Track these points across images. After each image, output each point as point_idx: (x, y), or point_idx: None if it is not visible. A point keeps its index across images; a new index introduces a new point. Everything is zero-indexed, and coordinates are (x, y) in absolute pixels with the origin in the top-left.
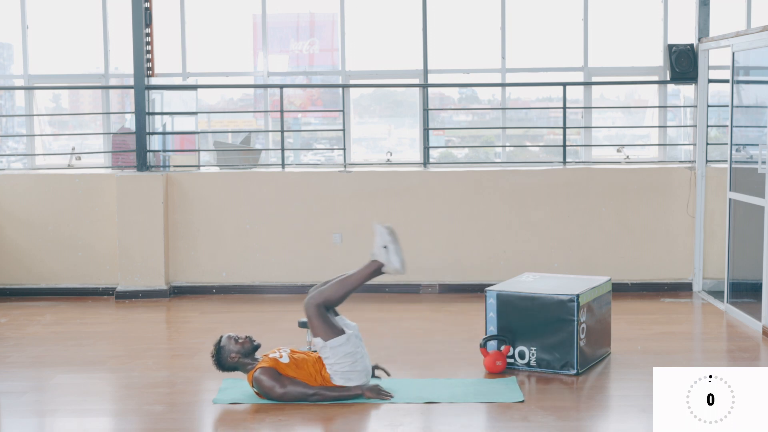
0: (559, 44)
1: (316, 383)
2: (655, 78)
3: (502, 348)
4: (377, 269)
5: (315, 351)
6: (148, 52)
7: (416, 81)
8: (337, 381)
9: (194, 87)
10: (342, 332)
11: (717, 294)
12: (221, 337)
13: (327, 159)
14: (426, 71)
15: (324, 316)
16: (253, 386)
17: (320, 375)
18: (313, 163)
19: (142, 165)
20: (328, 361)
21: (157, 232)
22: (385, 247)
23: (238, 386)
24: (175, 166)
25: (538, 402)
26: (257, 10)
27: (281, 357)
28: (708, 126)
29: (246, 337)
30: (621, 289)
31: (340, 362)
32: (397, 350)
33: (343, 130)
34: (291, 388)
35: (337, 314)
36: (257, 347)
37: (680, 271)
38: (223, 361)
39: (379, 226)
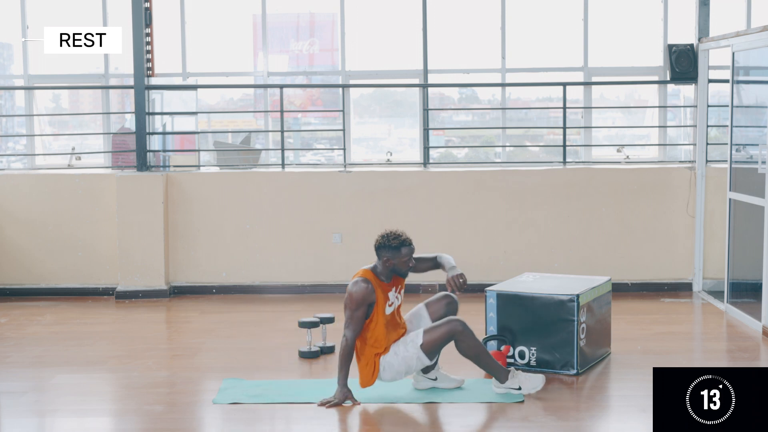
0: (559, 44)
1: (371, 341)
2: (655, 78)
3: (502, 348)
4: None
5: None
6: (148, 52)
7: (416, 81)
8: (382, 362)
9: (194, 87)
10: (430, 359)
11: (717, 294)
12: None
13: (327, 159)
14: (426, 71)
15: (444, 342)
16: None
17: (383, 340)
18: (313, 163)
19: (142, 165)
20: (397, 347)
21: (157, 232)
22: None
23: (238, 386)
24: (175, 166)
25: (538, 402)
26: (257, 10)
27: (390, 305)
28: (708, 126)
29: (407, 259)
30: (621, 289)
31: (400, 357)
32: None
33: (343, 130)
34: (351, 325)
35: (437, 366)
36: (401, 274)
37: (680, 271)
38: (382, 247)
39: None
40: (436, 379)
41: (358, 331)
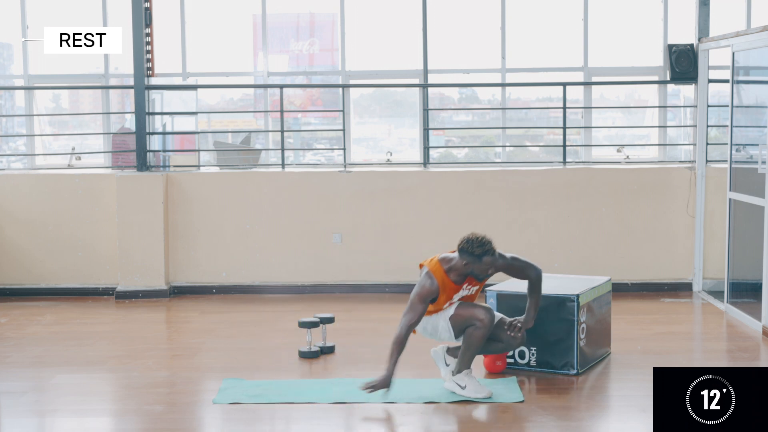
0: (559, 44)
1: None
2: (655, 78)
3: None
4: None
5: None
6: (148, 52)
7: (416, 81)
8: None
9: (194, 87)
10: (454, 335)
11: (717, 294)
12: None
13: (327, 159)
14: (426, 71)
15: (466, 322)
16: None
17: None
18: (313, 163)
19: (142, 165)
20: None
21: (157, 232)
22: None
23: (238, 386)
24: (175, 166)
25: (538, 402)
26: (257, 10)
27: (450, 304)
28: (708, 126)
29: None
30: (621, 289)
31: (433, 318)
32: None
33: (343, 130)
34: (409, 314)
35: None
36: (478, 279)
37: (680, 271)
38: (464, 252)
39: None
40: (464, 388)
41: (414, 322)
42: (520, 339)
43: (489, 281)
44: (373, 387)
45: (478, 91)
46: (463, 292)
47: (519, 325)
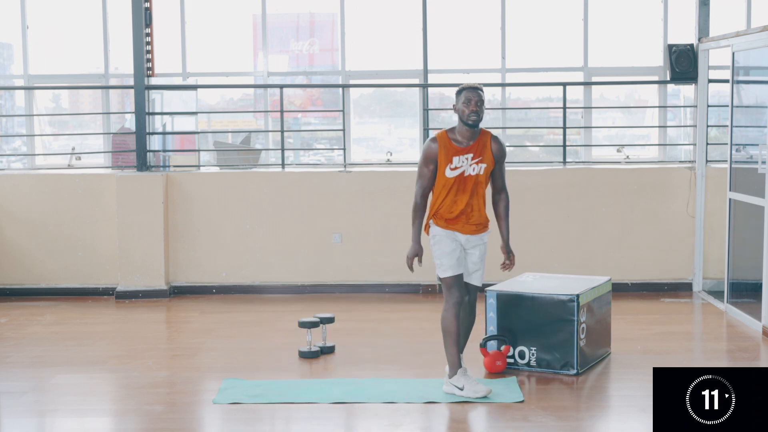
0: (559, 44)
1: (432, 198)
2: (655, 78)
3: (502, 348)
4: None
5: None
6: (148, 52)
7: (416, 81)
8: (432, 230)
9: (194, 87)
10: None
11: (717, 294)
12: (472, 85)
13: (327, 159)
14: (426, 71)
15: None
16: (495, 144)
17: (437, 202)
18: (313, 163)
19: (142, 165)
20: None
21: (157, 232)
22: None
23: (238, 386)
24: (175, 166)
25: (538, 402)
26: (257, 10)
27: (454, 169)
28: (708, 126)
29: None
30: (621, 289)
31: (437, 252)
32: (398, 350)
33: (343, 130)
34: (419, 181)
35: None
36: (466, 124)
37: (680, 271)
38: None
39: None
40: (462, 389)
41: (426, 187)
42: (510, 268)
43: (488, 282)
44: (409, 262)
45: None
46: (463, 162)
47: (507, 261)
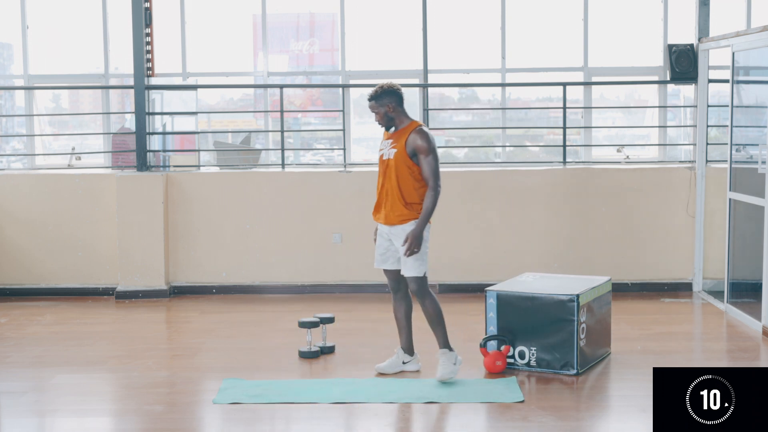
0: (559, 44)
1: None
2: (655, 78)
3: (502, 348)
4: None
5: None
6: (148, 52)
7: (416, 81)
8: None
9: (194, 87)
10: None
11: (717, 294)
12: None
13: (327, 159)
14: (426, 71)
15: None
16: (414, 135)
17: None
18: (313, 163)
19: (142, 165)
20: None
21: (157, 232)
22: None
23: (238, 386)
24: (175, 166)
25: (538, 402)
26: (257, 10)
27: (380, 150)
28: (708, 126)
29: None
30: (621, 289)
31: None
32: None
33: (343, 130)
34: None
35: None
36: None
37: (680, 271)
38: (380, 98)
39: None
40: (455, 363)
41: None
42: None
43: (488, 282)
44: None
45: (478, 91)
46: (384, 146)
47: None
